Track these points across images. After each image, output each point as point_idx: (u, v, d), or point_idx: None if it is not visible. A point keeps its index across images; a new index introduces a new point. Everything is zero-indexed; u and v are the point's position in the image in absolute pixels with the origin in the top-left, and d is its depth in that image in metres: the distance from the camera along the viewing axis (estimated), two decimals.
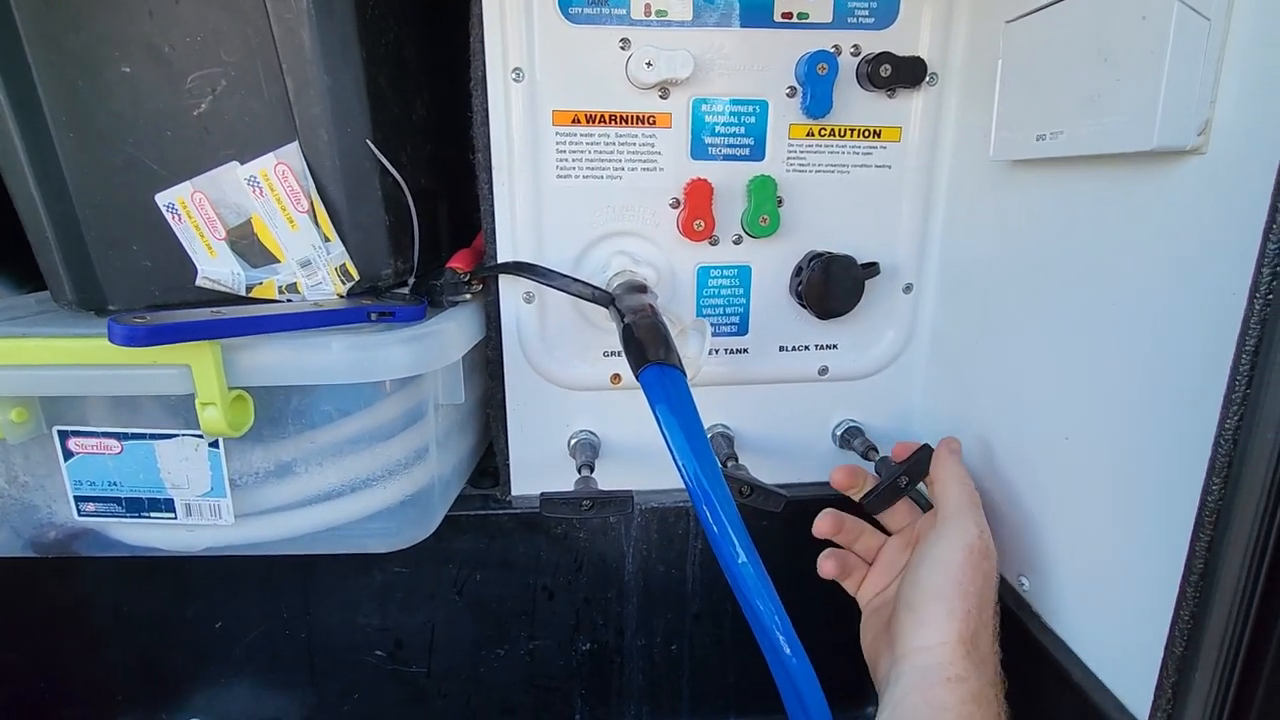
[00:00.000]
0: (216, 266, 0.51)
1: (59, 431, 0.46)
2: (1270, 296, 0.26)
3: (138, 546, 0.49)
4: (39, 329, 0.46)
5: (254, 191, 0.50)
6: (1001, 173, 0.48)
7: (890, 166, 0.53)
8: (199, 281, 0.51)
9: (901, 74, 0.50)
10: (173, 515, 0.48)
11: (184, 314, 0.41)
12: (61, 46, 0.46)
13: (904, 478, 0.49)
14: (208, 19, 0.46)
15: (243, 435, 0.45)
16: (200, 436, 0.46)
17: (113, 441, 0.46)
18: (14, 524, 0.49)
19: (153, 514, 0.48)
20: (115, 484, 0.47)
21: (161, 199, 0.50)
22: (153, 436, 0.46)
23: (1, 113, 0.46)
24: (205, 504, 0.47)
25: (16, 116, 0.46)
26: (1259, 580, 0.27)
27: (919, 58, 0.50)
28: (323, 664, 0.59)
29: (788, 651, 0.36)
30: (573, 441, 0.57)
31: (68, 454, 0.46)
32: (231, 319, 0.41)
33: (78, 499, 0.47)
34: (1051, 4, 0.40)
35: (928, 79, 0.51)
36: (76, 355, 0.41)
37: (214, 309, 0.44)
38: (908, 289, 0.57)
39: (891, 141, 0.53)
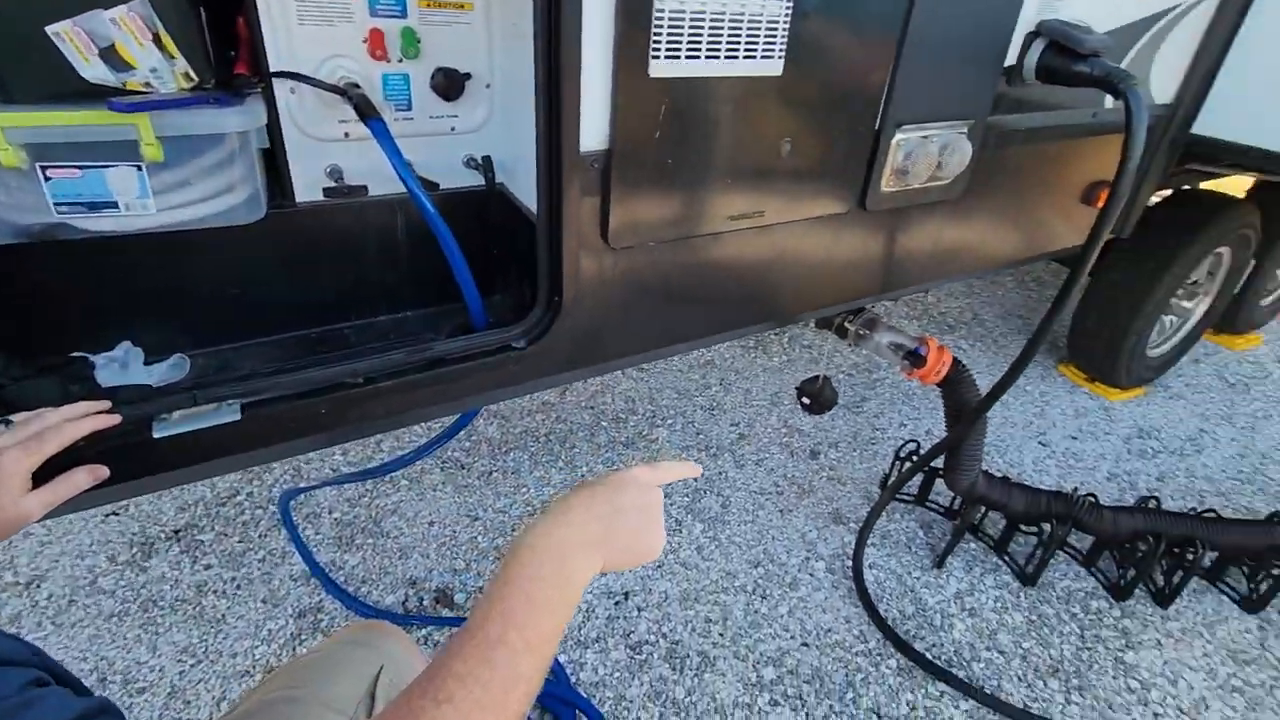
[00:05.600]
0: (94, 71, 0.90)
1: (40, 166, 0.86)
2: None
3: (94, 231, 0.92)
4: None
5: (115, 27, 0.88)
6: None
7: (469, 25, 1.12)
8: (90, 79, 0.89)
9: None
10: (117, 210, 0.92)
11: (138, 97, 0.85)
12: None
13: None
14: None
15: (159, 162, 0.90)
16: (134, 165, 0.90)
17: (75, 170, 0.87)
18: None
19: (105, 210, 0.91)
20: (79, 194, 0.89)
21: (50, 29, 0.86)
22: (102, 167, 0.89)
23: None
24: (137, 203, 0.92)
25: None
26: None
27: None
28: (194, 314, 1.09)
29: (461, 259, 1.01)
30: (327, 169, 1.11)
31: (47, 179, 0.86)
32: (165, 99, 0.86)
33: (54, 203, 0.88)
34: None
35: None
36: (78, 119, 0.83)
37: (139, 95, 0.87)
38: (488, 86, 1.19)
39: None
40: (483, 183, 1.18)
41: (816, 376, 1.80)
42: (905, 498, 1.93)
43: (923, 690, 1.46)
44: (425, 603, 1.60)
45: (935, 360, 1.58)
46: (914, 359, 1.59)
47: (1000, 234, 1.63)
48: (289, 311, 1.17)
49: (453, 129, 1.19)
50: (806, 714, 1.40)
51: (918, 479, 1.90)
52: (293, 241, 1.12)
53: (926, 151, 1.24)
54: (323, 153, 1.10)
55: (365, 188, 1.09)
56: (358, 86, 1.02)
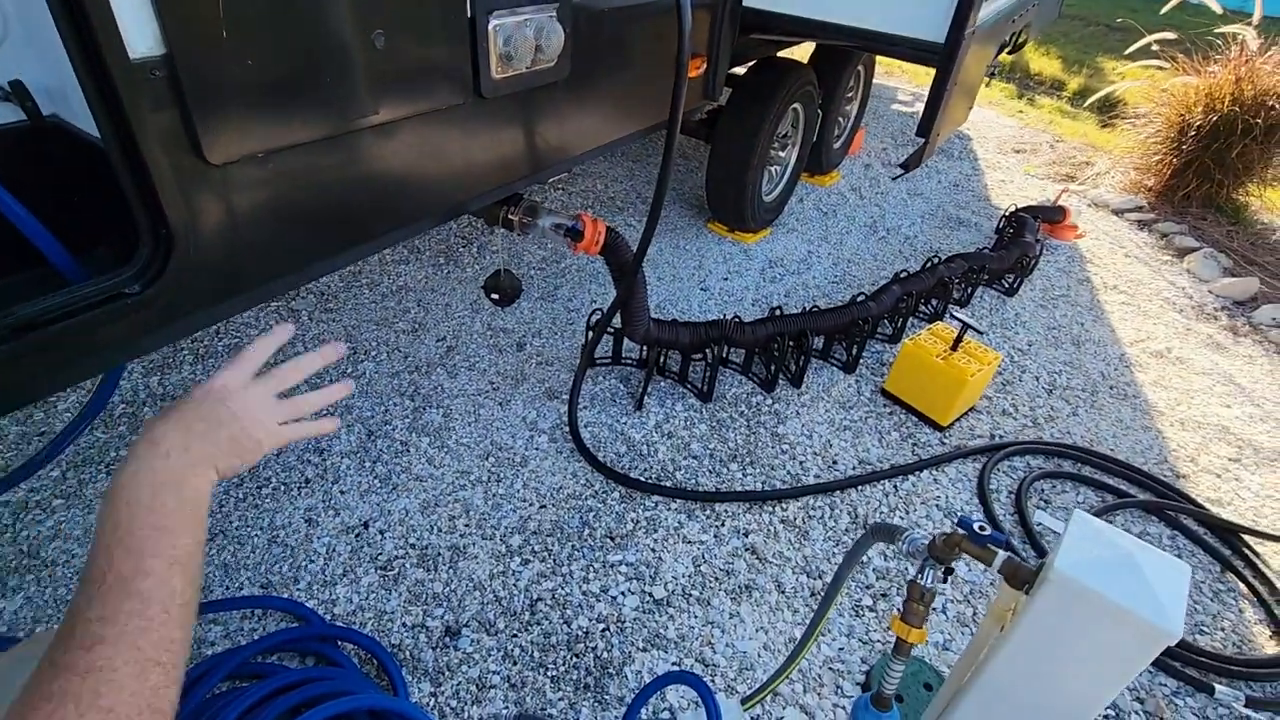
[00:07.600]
0: None
1: None
2: None
3: None
4: None
5: None
6: None
7: None
8: None
9: None
10: None
11: None
12: None
13: None
14: None
15: None
16: None
17: None
18: None
19: None
20: None
21: None
22: None
23: None
24: None
25: None
26: None
27: None
28: None
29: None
30: None
31: None
32: None
33: None
34: None
35: None
36: None
37: None
38: None
39: None
40: (24, 116, 1.00)
41: (496, 271, 1.89)
42: (604, 361, 2.18)
43: (641, 506, 1.75)
44: None
45: (592, 232, 1.78)
46: (574, 234, 1.77)
47: (617, 109, 1.84)
48: None
49: None
50: (553, 559, 1.60)
51: (619, 347, 2.15)
52: None
53: (524, 35, 1.34)
54: None
55: None
56: None
